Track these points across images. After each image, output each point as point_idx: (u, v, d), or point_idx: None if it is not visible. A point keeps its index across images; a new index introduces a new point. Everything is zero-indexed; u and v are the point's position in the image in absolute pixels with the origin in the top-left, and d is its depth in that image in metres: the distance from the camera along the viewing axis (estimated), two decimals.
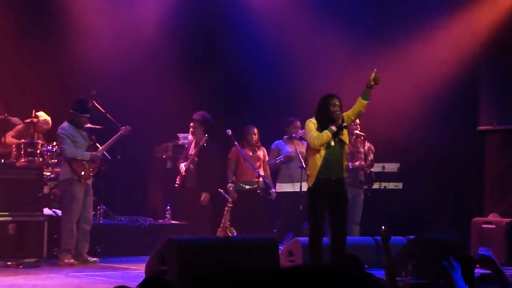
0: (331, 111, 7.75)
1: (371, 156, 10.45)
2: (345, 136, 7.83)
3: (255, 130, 10.58)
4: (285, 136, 10.62)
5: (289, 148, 10.64)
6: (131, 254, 10.29)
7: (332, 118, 7.73)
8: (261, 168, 10.51)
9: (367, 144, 10.47)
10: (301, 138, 10.43)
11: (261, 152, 10.63)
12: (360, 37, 11.95)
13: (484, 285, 5.21)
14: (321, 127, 7.77)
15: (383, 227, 5.81)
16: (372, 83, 7.70)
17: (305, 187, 10.33)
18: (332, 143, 7.74)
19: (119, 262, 9.84)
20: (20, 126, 10.81)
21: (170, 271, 7.31)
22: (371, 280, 2.39)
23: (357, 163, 10.30)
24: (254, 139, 10.56)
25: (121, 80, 11.71)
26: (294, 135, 10.50)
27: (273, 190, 10.49)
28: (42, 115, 10.69)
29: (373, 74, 7.72)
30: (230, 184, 10.38)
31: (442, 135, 11.70)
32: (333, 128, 7.69)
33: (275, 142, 10.78)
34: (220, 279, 2.41)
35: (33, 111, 10.67)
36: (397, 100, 11.44)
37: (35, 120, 10.60)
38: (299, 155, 10.26)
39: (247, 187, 10.46)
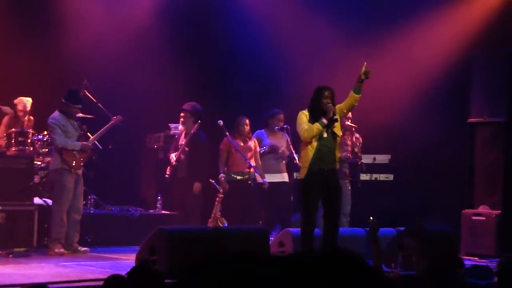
0: (323, 103, 7.77)
1: (357, 148, 10.42)
2: (337, 128, 7.86)
3: (247, 121, 10.58)
4: (276, 127, 10.62)
5: (270, 140, 10.68)
6: (121, 244, 10.29)
7: (324, 110, 7.75)
8: (253, 159, 10.51)
9: (356, 135, 10.46)
10: (282, 130, 10.48)
11: (252, 143, 10.63)
12: (353, 28, 11.95)
13: (474, 276, 5.23)
14: (313, 119, 7.80)
15: (371, 218, 5.84)
16: (362, 77, 7.73)
17: (281, 178, 10.47)
18: (325, 135, 7.77)
19: (110, 252, 9.84)
20: (6, 119, 10.74)
21: (161, 261, 7.32)
22: (371, 269, 2.38)
23: (343, 153, 10.30)
24: (246, 130, 10.56)
25: (113, 69, 11.68)
26: (285, 126, 10.53)
27: (265, 180, 10.48)
28: (18, 98, 10.63)
29: (363, 69, 7.73)
30: (221, 175, 10.38)
31: (433, 127, 11.72)
32: (324, 121, 7.73)
33: (257, 131, 10.79)
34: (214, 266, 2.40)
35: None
36: (388, 92, 11.45)
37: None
38: (286, 147, 10.35)
39: (238, 177, 10.46)
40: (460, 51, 11.48)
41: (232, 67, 12.60)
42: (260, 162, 10.61)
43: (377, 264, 5.58)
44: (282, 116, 10.59)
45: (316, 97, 7.85)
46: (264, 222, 10.52)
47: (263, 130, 10.77)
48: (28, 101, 10.62)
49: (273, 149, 10.60)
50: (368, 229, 8.57)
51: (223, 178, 10.34)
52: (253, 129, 10.69)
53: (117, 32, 11.76)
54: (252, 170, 10.33)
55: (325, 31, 12.07)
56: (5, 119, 10.72)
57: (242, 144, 10.50)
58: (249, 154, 10.47)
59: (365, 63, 7.75)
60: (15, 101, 10.64)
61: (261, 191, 10.48)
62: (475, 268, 5.61)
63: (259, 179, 10.43)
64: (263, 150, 10.64)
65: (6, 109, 10.81)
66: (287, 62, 12.23)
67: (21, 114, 10.62)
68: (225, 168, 10.49)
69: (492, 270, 5.38)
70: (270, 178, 10.55)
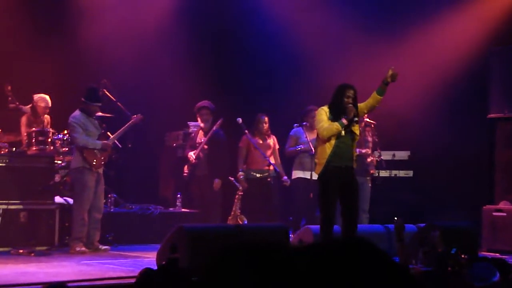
0: (345, 103, 7.74)
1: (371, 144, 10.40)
2: (356, 128, 7.84)
3: (266, 118, 10.59)
4: (295, 124, 10.60)
5: (308, 136, 10.62)
6: (142, 242, 10.32)
7: (345, 109, 7.73)
8: (272, 156, 10.51)
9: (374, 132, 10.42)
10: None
11: (271, 140, 10.63)
12: (373, 26, 11.91)
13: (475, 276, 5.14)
14: (333, 116, 7.77)
15: (396, 218, 5.83)
16: (389, 80, 7.71)
17: (315, 176, 10.41)
18: (343, 133, 7.75)
19: (130, 250, 9.86)
20: (24, 118, 10.77)
21: (181, 259, 7.32)
22: (389, 258, 2.36)
23: (363, 150, 10.27)
24: (265, 127, 10.57)
25: (132, 68, 11.72)
26: (304, 123, 10.52)
27: (286, 177, 10.47)
28: (38, 95, 10.63)
29: (390, 72, 7.71)
30: (240, 173, 10.39)
31: (453, 123, 11.68)
32: (344, 121, 7.71)
33: (294, 129, 10.75)
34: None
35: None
36: (407, 88, 11.40)
37: (32, 105, 10.62)
38: (309, 143, 10.30)
39: (257, 175, 10.47)
40: (479, 47, 11.43)
41: (251, 64, 12.60)
42: (279, 160, 10.62)
43: (404, 262, 5.59)
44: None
45: (338, 95, 7.81)
46: (294, 217, 10.52)
47: (300, 127, 10.71)
48: (48, 98, 10.66)
49: (307, 149, 10.54)
50: (389, 225, 8.61)
51: (241, 176, 10.35)
52: (272, 126, 10.69)
53: (136, 31, 11.79)
54: (271, 167, 10.33)
55: (343, 27, 12.04)
56: (24, 119, 10.76)
57: (261, 141, 10.51)
58: (269, 152, 10.47)
59: (392, 67, 7.73)
60: (35, 98, 10.60)
61: (283, 188, 10.49)
62: (476, 265, 5.41)
63: (297, 175, 10.42)
64: (299, 148, 10.59)
65: (27, 108, 10.87)
66: (306, 60, 12.21)
67: (43, 111, 10.60)
68: (244, 166, 10.50)
69: (493, 267, 5.27)
70: (307, 175, 10.49)
